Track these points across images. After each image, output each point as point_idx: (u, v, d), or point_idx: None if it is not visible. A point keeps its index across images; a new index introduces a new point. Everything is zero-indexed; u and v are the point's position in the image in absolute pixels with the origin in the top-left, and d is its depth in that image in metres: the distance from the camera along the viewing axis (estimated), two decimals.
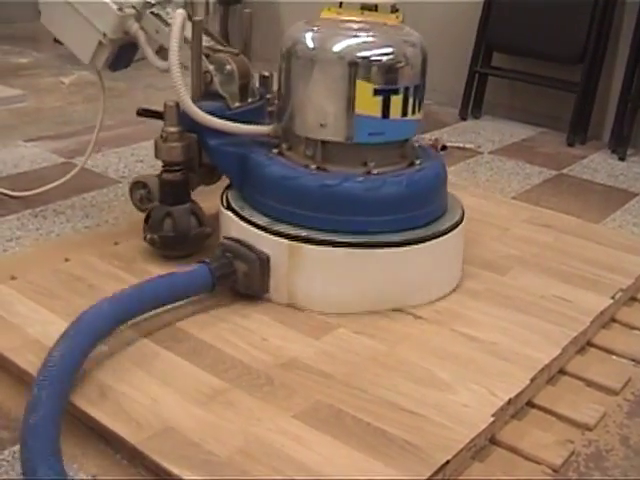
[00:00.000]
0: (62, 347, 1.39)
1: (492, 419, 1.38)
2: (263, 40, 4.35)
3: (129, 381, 1.44)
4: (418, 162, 1.80)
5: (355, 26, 1.77)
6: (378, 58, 1.67)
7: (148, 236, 1.90)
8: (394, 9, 3.28)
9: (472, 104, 3.55)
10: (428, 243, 1.73)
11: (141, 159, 2.75)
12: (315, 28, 1.75)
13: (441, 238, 1.76)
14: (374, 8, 3.26)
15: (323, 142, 1.73)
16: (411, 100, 1.72)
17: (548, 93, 3.39)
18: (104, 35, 1.97)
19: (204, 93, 1.88)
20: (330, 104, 1.69)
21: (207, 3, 4.15)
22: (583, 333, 1.69)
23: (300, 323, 1.67)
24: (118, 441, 1.32)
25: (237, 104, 1.90)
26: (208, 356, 1.53)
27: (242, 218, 1.77)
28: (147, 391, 1.42)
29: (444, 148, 2.98)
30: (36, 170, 2.53)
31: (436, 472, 1.25)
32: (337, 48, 1.68)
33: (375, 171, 1.72)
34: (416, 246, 1.71)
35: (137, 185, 2.04)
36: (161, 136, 1.87)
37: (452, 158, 2.94)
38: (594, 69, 3.23)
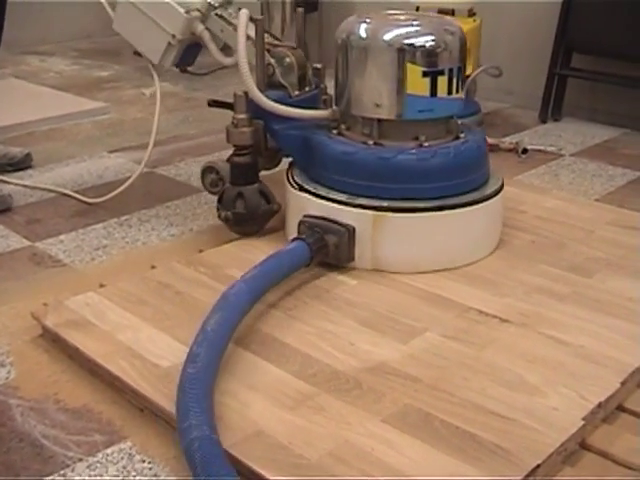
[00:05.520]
0: (216, 317, 1.53)
1: (582, 423, 1.36)
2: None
3: (218, 386, 1.45)
4: (462, 135, 2.01)
5: (402, 17, 1.98)
6: (424, 44, 1.88)
7: (222, 214, 2.09)
8: (471, 13, 3.26)
9: (552, 106, 3.50)
10: (485, 203, 1.96)
11: None
12: (367, 20, 1.96)
13: (493, 199, 1.99)
14: (451, 12, 3.24)
15: (379, 120, 1.94)
16: (455, 80, 1.92)
17: (630, 93, 3.32)
18: (173, 36, 2.14)
19: (268, 84, 2.06)
20: (384, 86, 1.90)
21: (283, 10, 4.20)
22: None
23: (387, 327, 1.67)
24: None
25: (296, 92, 2.10)
26: (296, 361, 1.55)
27: (320, 197, 1.95)
28: (236, 396, 1.44)
29: (525, 151, 2.95)
30: (120, 180, 2.56)
31: (527, 476, 1.24)
32: (387, 37, 1.89)
33: (426, 144, 1.93)
34: (477, 206, 1.94)
35: (208, 170, 2.25)
36: (232, 123, 2.06)
37: (534, 161, 2.92)
38: None
